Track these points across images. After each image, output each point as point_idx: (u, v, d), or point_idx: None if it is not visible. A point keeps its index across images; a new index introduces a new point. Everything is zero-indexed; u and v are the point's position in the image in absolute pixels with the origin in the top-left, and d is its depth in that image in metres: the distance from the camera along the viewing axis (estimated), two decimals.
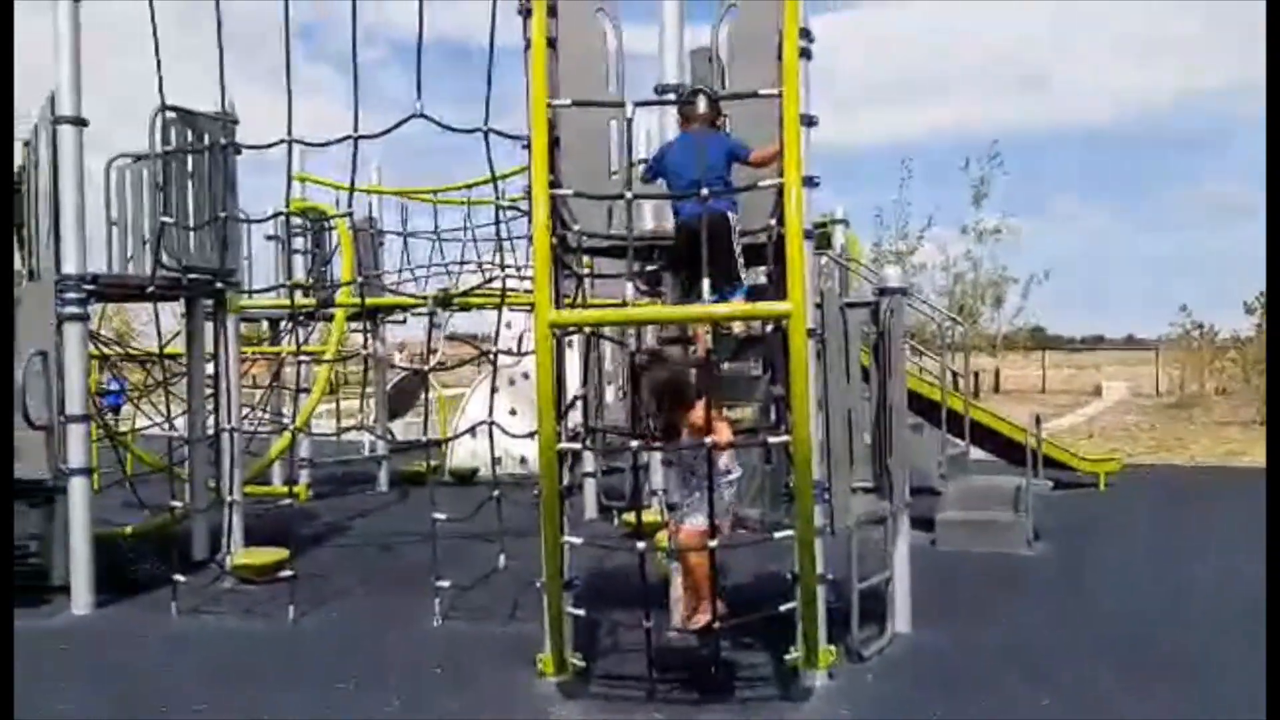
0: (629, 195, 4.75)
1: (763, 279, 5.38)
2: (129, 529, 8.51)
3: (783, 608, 4.79)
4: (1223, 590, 7.00)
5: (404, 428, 15.37)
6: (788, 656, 4.94)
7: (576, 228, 4.94)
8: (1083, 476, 11.53)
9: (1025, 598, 6.91)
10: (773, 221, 4.86)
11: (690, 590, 5.29)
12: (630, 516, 7.13)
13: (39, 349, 6.76)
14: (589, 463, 10.07)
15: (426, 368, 9.73)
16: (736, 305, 4.76)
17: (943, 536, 8.52)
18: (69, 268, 6.84)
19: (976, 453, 10.38)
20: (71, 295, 6.81)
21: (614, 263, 5.80)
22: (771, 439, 4.65)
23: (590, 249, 5.22)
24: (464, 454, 12.67)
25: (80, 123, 6.85)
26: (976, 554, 8.11)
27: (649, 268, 5.63)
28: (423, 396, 14.46)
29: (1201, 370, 26.64)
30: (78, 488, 6.83)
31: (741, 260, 5.02)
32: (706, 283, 4.64)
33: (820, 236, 10.06)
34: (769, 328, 4.90)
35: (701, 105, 5.21)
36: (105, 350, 10.33)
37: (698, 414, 4.88)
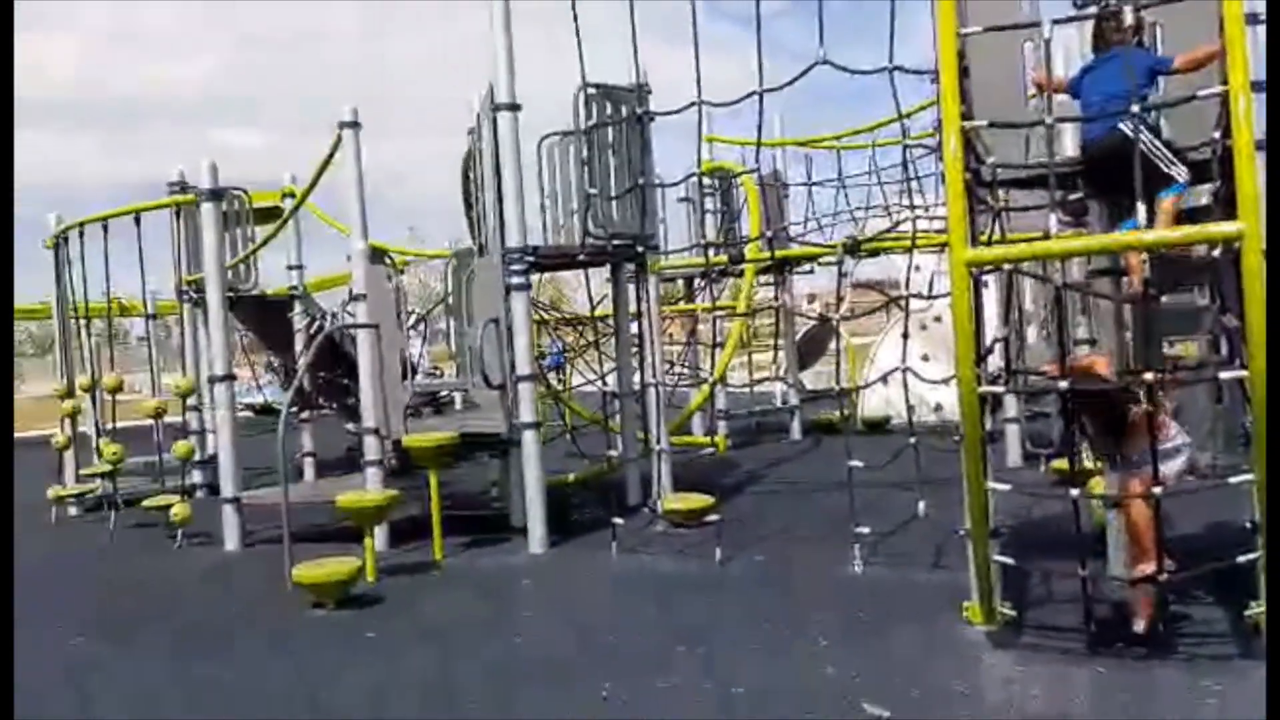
0: (1048, 120, 4.46)
1: (1205, 199, 4.85)
2: (572, 477, 9.33)
3: (1240, 559, 4.33)
4: None
5: (814, 377, 15.55)
6: (1248, 613, 4.47)
7: (990, 160, 4.71)
8: None
9: None
10: (1217, 135, 4.37)
11: (1132, 542, 4.92)
12: (1060, 463, 6.78)
13: (491, 317, 7.57)
14: (1011, 408, 9.66)
15: (835, 316, 9.75)
16: (1170, 231, 4.32)
17: None
18: (512, 241, 7.56)
19: None
20: (516, 266, 7.54)
21: (1033, 195, 5.48)
22: (1223, 374, 4.20)
23: (1006, 181, 4.96)
24: (876, 402, 12.62)
25: (515, 108, 7.53)
26: None
27: (1072, 197, 5.26)
28: (832, 346, 14.52)
29: None
30: (529, 439, 7.58)
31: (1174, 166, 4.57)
32: (1141, 208, 4.27)
33: None
34: (1216, 252, 4.41)
35: (1127, 17, 4.77)
36: (544, 315, 11.37)
37: (1138, 425, 4.55)
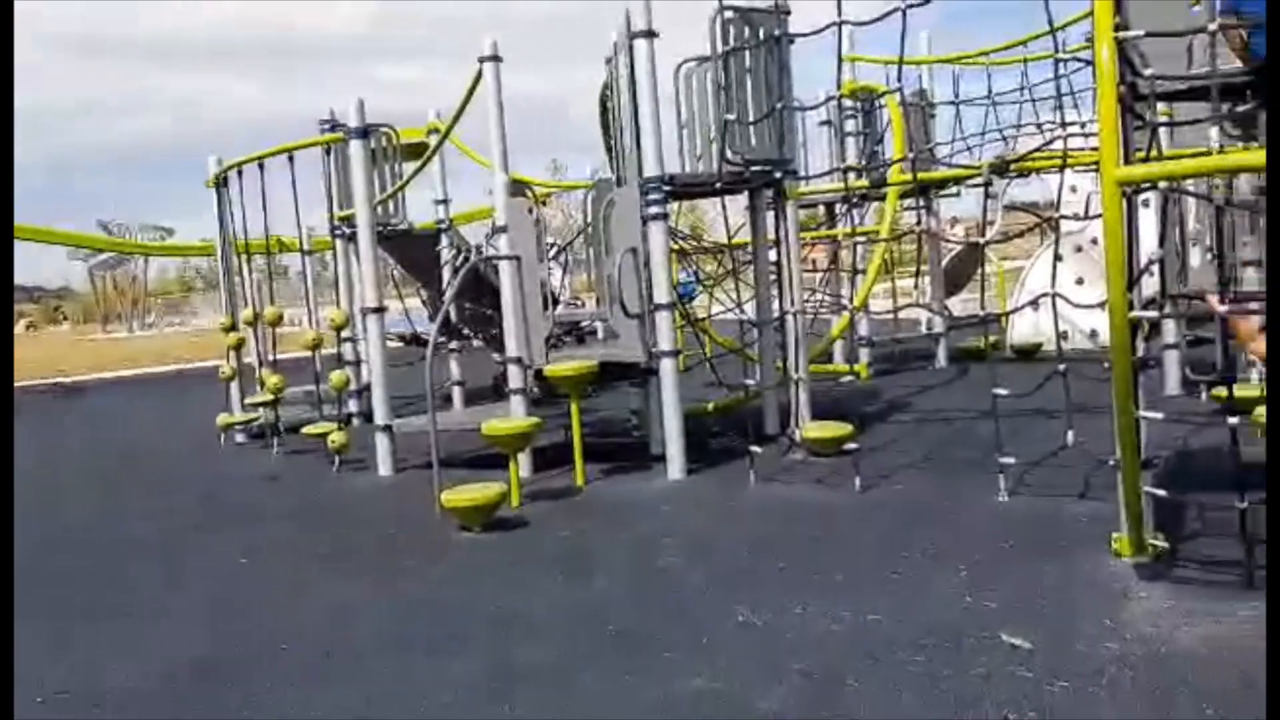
0: (1211, 27, 4.17)
1: None
2: (711, 405, 9.38)
3: None
4: None
5: (961, 304, 15.14)
6: None
7: (1149, 72, 4.44)
8: None
9: None
10: None
11: None
12: (1221, 390, 6.45)
13: (629, 246, 7.61)
14: (1170, 334, 9.23)
15: (982, 240, 9.44)
16: None
17: None
18: (649, 171, 7.55)
19: None
20: (653, 196, 7.53)
21: (1198, 108, 5.15)
22: None
23: (1166, 94, 4.67)
24: (1026, 328, 12.22)
25: (651, 35, 7.47)
26: None
27: (1240, 108, 4.92)
28: (980, 271, 14.09)
29: None
30: (667, 368, 7.64)
31: None
32: None
33: None
34: None
35: None
36: (683, 245, 11.35)
37: None
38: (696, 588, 5.19)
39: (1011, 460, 6.29)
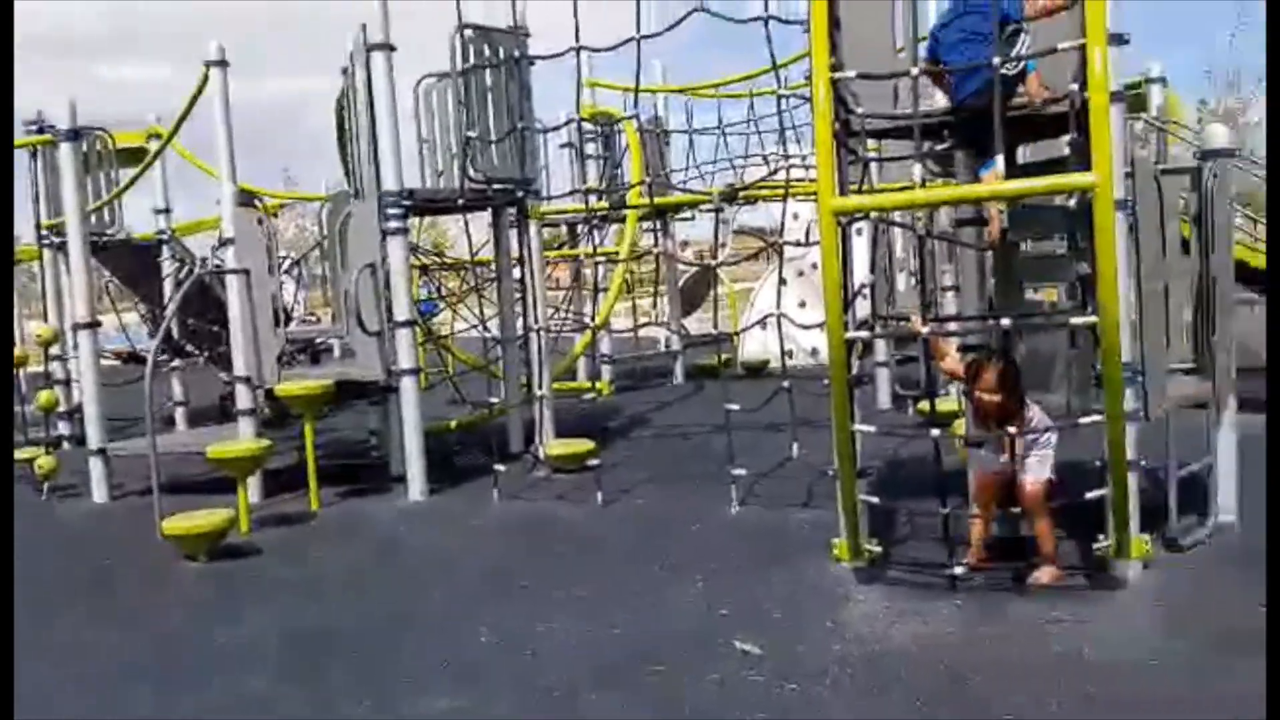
0: (913, 73, 4.56)
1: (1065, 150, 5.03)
2: (454, 423, 9.29)
3: (1090, 495, 4.59)
4: None
5: (697, 323, 15.73)
6: (1097, 546, 4.74)
7: (860, 110, 4.79)
8: None
9: None
10: (1074, 86, 4.52)
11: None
12: (924, 405, 7.04)
13: (367, 261, 7.43)
14: (881, 352, 9.96)
15: (714, 262, 9.87)
16: (1031, 182, 4.50)
17: None
18: (388, 185, 7.41)
19: None
20: (392, 210, 7.40)
21: (904, 144, 5.61)
22: (1075, 320, 4.40)
23: (876, 132, 5.06)
24: (755, 347, 12.83)
25: (390, 49, 7.34)
26: None
27: (939, 147, 5.40)
28: (713, 292, 14.69)
29: None
30: (408, 387, 7.51)
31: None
32: (1000, 159, 4.42)
33: (1134, 98, 9.25)
34: (1072, 201, 4.59)
35: None
36: (424, 261, 11.20)
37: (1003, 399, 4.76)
38: (439, 609, 5.12)
39: (742, 473, 6.59)
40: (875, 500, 5.07)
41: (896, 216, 6.68)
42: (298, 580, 5.78)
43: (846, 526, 5.02)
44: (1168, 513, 5.22)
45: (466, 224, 8.33)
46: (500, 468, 7.38)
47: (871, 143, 5.31)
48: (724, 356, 9.52)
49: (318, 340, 11.78)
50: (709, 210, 11.82)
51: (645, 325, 14.75)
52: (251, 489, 7.27)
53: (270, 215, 10.08)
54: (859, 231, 5.90)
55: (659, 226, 13.40)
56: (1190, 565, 5.02)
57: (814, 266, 11.85)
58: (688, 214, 13.35)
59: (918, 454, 6.40)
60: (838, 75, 4.37)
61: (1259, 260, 8.50)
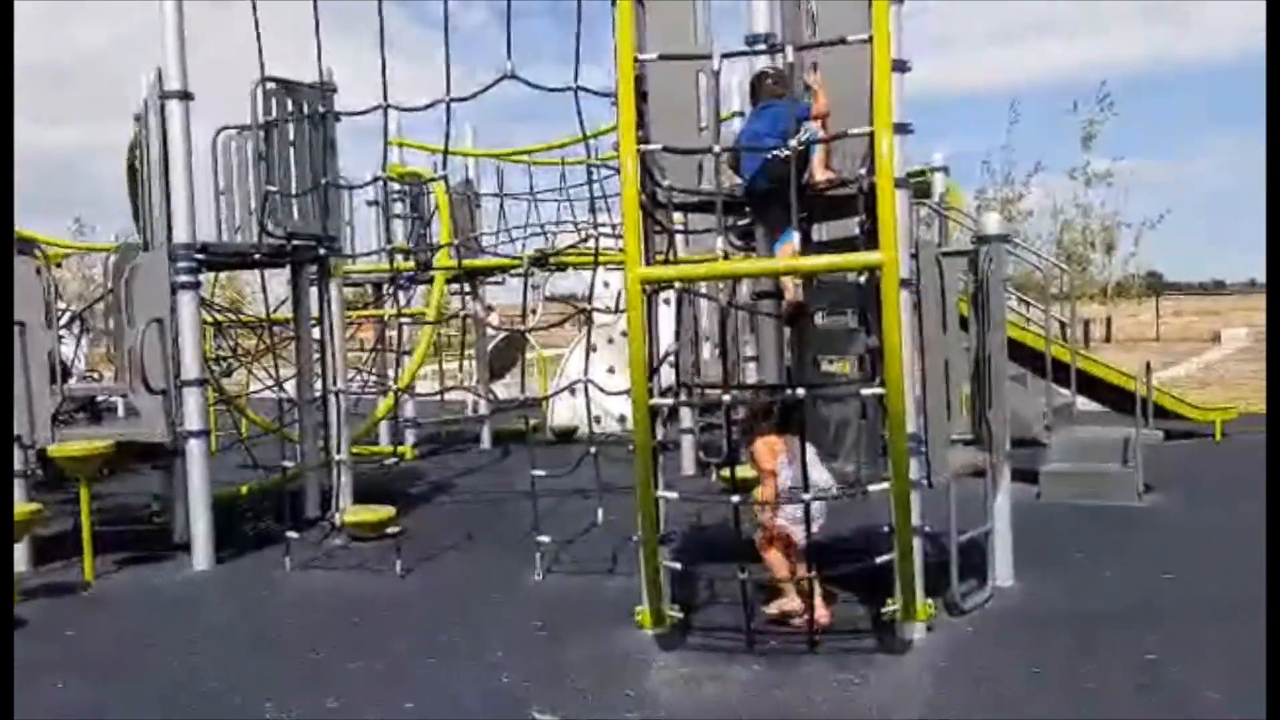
0: (716, 149, 4.72)
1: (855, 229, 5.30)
2: (245, 488, 8.85)
3: (878, 560, 4.77)
4: None
5: (505, 388, 15.64)
6: (885, 609, 4.93)
7: (666, 183, 4.93)
8: (1198, 427, 11.14)
9: (1134, 552, 6.73)
10: (864, 171, 4.79)
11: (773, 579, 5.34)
12: (727, 472, 7.19)
13: (154, 316, 7.05)
14: (686, 419, 10.13)
15: (523, 328, 9.86)
16: (825, 258, 4.71)
17: (1047, 489, 8.36)
18: (180, 237, 7.09)
19: (1085, 404, 10.12)
20: (183, 264, 7.06)
21: (708, 218, 5.79)
22: (865, 390, 4.61)
23: (682, 204, 5.22)
24: (565, 413, 12.83)
25: (186, 97, 7.06)
26: (1084, 506, 7.93)
27: (741, 222, 5.60)
28: (521, 357, 14.66)
29: None
30: (195, 449, 7.12)
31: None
32: (795, 235, 4.62)
33: (919, 185, 9.87)
34: (863, 278, 4.83)
35: (767, 83, 5.24)
36: (218, 317, 10.72)
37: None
38: (222, 686, 4.81)
39: (547, 539, 6.53)
40: (677, 565, 5.12)
41: (703, 287, 6.85)
42: (64, 658, 5.33)
43: (649, 593, 5.04)
44: (950, 577, 5.47)
45: (264, 280, 8.03)
46: (293, 535, 7.07)
47: (678, 216, 5.46)
48: (532, 422, 9.46)
49: (100, 398, 11.04)
50: (518, 274, 11.85)
51: (452, 389, 14.54)
52: (20, 557, 6.71)
53: (51, 265, 9.46)
54: (666, 301, 6.02)
55: (468, 289, 13.30)
56: (970, 627, 5.27)
57: (623, 334, 12.01)
58: (498, 278, 13.31)
59: (719, 520, 6.53)
60: (645, 148, 4.48)
61: (1032, 340, 9.16)
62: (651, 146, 4.54)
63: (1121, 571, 6.22)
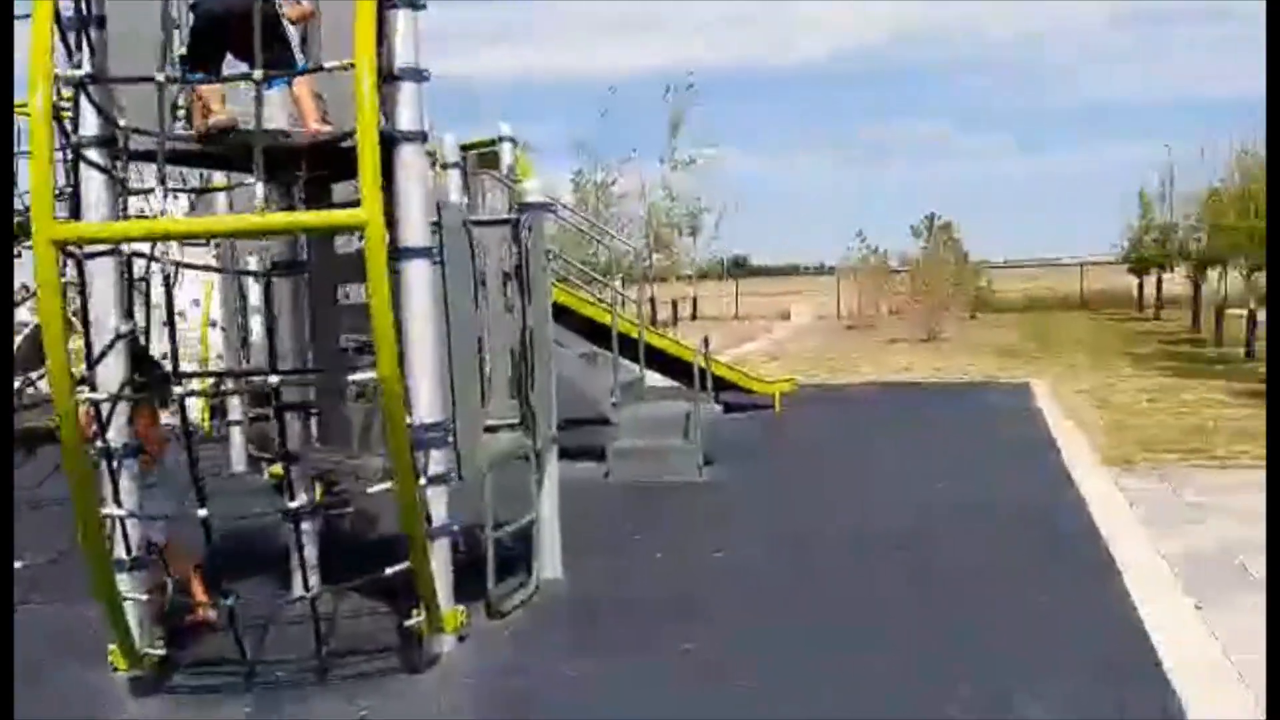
0: (160, 78, 3.76)
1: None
2: None
3: (389, 570, 4.10)
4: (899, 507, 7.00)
5: None
6: (409, 622, 4.30)
7: (124, 123, 3.93)
8: (760, 399, 11.57)
9: (689, 530, 6.61)
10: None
11: None
12: (278, 468, 6.28)
13: None
14: (235, 410, 9.01)
15: None
16: (286, 216, 3.98)
17: (616, 467, 8.18)
18: None
19: (660, 380, 10.10)
20: None
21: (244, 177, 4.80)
22: (355, 375, 3.94)
23: (139, 153, 4.15)
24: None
25: None
26: (647, 484, 7.81)
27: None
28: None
29: (876, 293, 28.03)
30: None
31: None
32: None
33: (486, 156, 9.38)
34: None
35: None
36: None
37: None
38: None
39: (20, 564, 5.28)
40: (142, 597, 4.16)
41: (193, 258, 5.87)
42: None
43: (113, 629, 4.06)
44: (486, 576, 4.96)
45: None
46: None
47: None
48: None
49: None
50: None
51: None
52: None
53: None
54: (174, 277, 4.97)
55: None
56: (507, 630, 4.80)
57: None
58: None
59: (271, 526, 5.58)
60: (64, 72, 3.51)
61: (588, 310, 8.95)
62: (74, 73, 3.57)
63: (674, 553, 6.02)
